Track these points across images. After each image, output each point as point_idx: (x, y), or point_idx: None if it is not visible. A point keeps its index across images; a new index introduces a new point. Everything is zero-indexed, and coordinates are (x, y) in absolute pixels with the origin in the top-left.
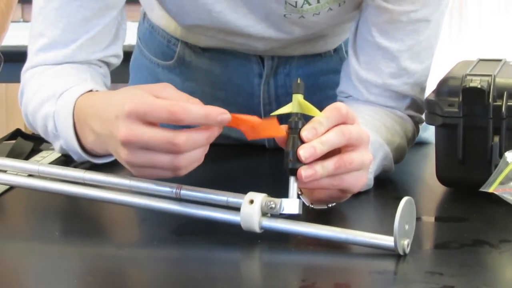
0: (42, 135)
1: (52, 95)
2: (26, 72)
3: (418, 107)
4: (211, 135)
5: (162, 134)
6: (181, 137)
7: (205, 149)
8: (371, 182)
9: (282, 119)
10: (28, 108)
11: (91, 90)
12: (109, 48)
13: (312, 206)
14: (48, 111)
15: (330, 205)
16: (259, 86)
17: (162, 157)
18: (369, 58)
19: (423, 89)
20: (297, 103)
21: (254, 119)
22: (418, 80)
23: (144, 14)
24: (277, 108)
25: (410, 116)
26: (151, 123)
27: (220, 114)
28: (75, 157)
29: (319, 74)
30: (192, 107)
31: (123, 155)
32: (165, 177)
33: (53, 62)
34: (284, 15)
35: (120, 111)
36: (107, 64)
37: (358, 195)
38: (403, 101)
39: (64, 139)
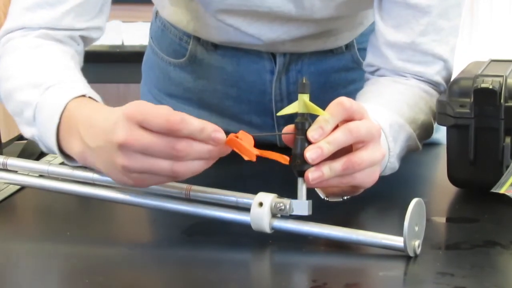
0: (10, 112)
1: (38, 84)
2: (7, 37)
3: (446, 75)
4: (213, 149)
5: (163, 139)
6: (182, 143)
7: (206, 163)
8: (395, 166)
9: (293, 117)
10: (3, 84)
11: (84, 95)
12: (94, 19)
13: (327, 199)
14: (30, 99)
15: (345, 198)
16: (271, 83)
17: (161, 162)
18: (398, 19)
19: (452, 51)
20: (303, 103)
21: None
22: (445, 38)
23: (156, 13)
24: (288, 105)
25: (437, 84)
26: (150, 130)
27: (214, 131)
28: (44, 149)
29: (331, 72)
30: (190, 119)
31: (120, 160)
32: (166, 182)
33: (39, 24)
34: None
35: (118, 117)
36: (86, 39)
37: (370, 195)
38: (431, 65)
39: (41, 132)
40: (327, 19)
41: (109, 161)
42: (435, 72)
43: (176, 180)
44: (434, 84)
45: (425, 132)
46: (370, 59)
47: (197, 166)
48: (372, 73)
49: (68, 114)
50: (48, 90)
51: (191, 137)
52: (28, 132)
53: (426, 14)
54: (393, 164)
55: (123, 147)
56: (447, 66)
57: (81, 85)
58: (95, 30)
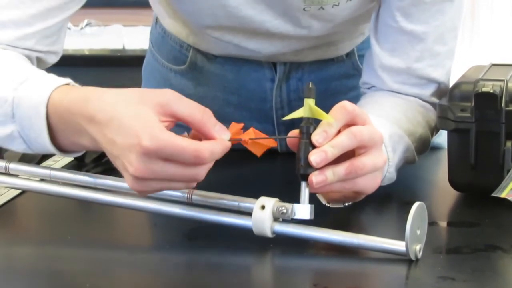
0: None
1: (10, 79)
2: None
3: (442, 94)
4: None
5: (184, 171)
6: (202, 172)
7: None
8: (393, 176)
9: (294, 123)
10: None
11: (68, 84)
12: (54, 44)
13: (329, 205)
14: (4, 95)
15: (346, 204)
16: (271, 91)
17: (176, 184)
18: (393, 44)
19: (447, 74)
20: (308, 108)
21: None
22: (441, 62)
23: (157, 19)
24: (289, 113)
25: (434, 103)
26: (171, 160)
27: (228, 144)
28: (20, 148)
29: (331, 79)
30: (216, 149)
31: (133, 185)
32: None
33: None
34: (304, 8)
35: (134, 146)
36: (41, 62)
37: (371, 199)
38: (427, 87)
39: (24, 127)
40: (326, 34)
41: (120, 168)
42: (430, 93)
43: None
44: (430, 103)
45: (422, 146)
46: (366, 79)
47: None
48: (369, 89)
49: (56, 104)
50: (23, 84)
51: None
52: (3, 131)
53: (421, 40)
54: (392, 174)
55: (139, 179)
56: (443, 86)
57: (55, 77)
58: (52, 54)
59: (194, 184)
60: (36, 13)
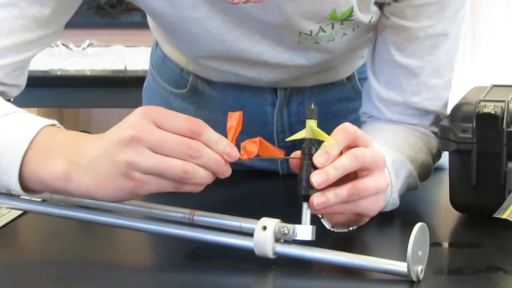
0: None
1: None
2: None
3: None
4: (221, 162)
5: (178, 136)
6: (197, 143)
7: (209, 177)
8: (397, 202)
9: (296, 147)
10: None
11: (54, 125)
12: (20, 77)
13: (333, 229)
14: None
15: (351, 228)
16: (272, 115)
17: (171, 160)
18: (389, 77)
19: (445, 104)
20: (310, 129)
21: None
22: (438, 94)
23: (157, 42)
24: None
25: (434, 132)
26: (165, 130)
27: (229, 144)
28: None
29: (332, 102)
30: (208, 127)
31: (127, 156)
32: (167, 190)
33: None
34: (299, 42)
35: (131, 115)
36: (3, 95)
37: (373, 220)
38: (425, 118)
39: None
40: (326, 61)
41: (108, 166)
42: (429, 123)
43: (179, 190)
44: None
45: (424, 172)
46: (366, 108)
47: (203, 177)
48: (369, 118)
49: (43, 139)
50: (5, 117)
51: (206, 144)
52: None
53: (416, 75)
54: (395, 200)
55: (133, 141)
56: (442, 117)
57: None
58: (16, 88)
59: (186, 180)
60: (10, 45)
